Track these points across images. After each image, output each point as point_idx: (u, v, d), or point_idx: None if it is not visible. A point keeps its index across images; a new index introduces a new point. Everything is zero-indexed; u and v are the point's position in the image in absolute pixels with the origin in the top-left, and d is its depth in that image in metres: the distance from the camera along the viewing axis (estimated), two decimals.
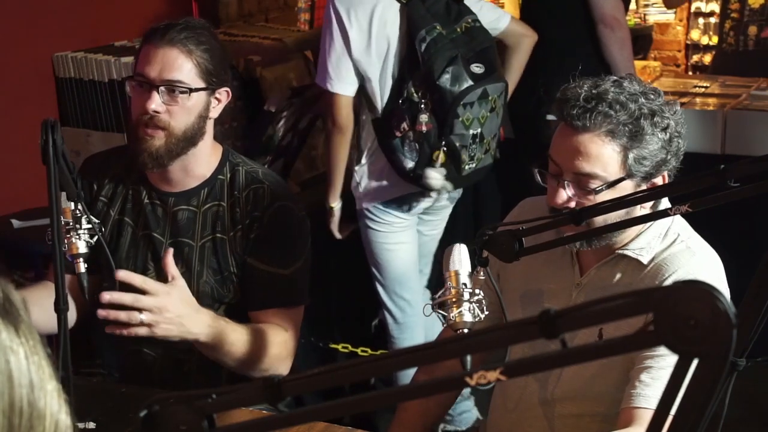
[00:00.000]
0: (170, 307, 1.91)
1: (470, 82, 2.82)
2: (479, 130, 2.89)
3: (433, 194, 3.04)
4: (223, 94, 2.16)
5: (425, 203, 3.10)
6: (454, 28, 2.88)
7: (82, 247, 1.76)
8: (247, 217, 2.14)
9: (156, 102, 2.05)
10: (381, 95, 2.94)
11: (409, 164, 2.93)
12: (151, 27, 2.12)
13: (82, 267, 1.76)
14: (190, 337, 1.95)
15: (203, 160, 2.17)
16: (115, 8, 3.97)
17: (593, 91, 1.75)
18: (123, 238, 2.20)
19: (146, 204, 2.19)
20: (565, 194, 1.79)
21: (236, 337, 2.03)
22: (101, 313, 1.86)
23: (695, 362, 0.78)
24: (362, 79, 2.94)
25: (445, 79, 2.81)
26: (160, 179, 2.18)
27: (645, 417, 1.68)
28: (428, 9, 2.88)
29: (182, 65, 2.06)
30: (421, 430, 2.08)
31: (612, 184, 1.76)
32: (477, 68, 2.85)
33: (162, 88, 2.06)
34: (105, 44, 3.20)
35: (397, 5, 2.90)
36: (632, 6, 7.02)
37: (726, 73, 4.59)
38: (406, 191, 3.03)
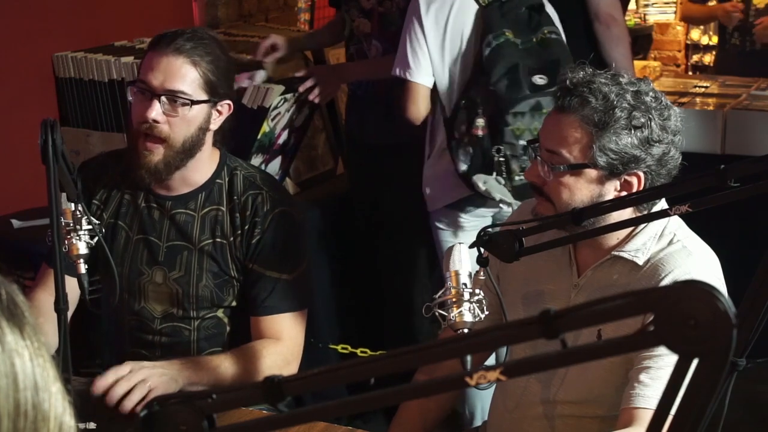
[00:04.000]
0: (148, 373, 1.91)
1: (526, 92, 2.79)
2: None
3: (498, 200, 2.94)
4: (225, 107, 2.14)
5: (492, 208, 3.03)
6: (531, 38, 2.88)
7: (82, 248, 1.76)
8: (247, 223, 2.13)
9: (156, 111, 2.04)
10: (450, 95, 2.94)
11: (462, 167, 2.90)
12: (158, 34, 2.10)
13: (83, 268, 1.76)
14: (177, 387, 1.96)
15: (201, 168, 2.16)
16: (115, 8, 3.97)
17: (585, 78, 1.79)
18: (116, 242, 2.19)
19: (143, 208, 2.18)
20: (536, 168, 1.84)
21: (216, 364, 2.03)
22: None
23: (695, 362, 0.78)
24: (434, 75, 2.94)
25: (502, 86, 2.79)
26: (157, 184, 2.17)
27: (645, 417, 1.67)
28: (504, 15, 2.87)
29: (186, 75, 2.04)
30: (421, 430, 2.08)
31: (573, 167, 1.79)
32: (540, 80, 2.82)
33: (163, 98, 2.04)
34: (105, 44, 3.19)
35: (476, 7, 2.90)
36: (632, 6, 7.03)
37: (729, 73, 4.57)
38: (468, 193, 2.99)
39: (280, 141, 3.11)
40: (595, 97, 1.76)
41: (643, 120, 1.75)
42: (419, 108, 2.98)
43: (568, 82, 1.79)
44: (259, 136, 2.96)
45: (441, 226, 3.10)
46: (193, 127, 2.08)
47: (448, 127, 2.95)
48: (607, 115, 1.75)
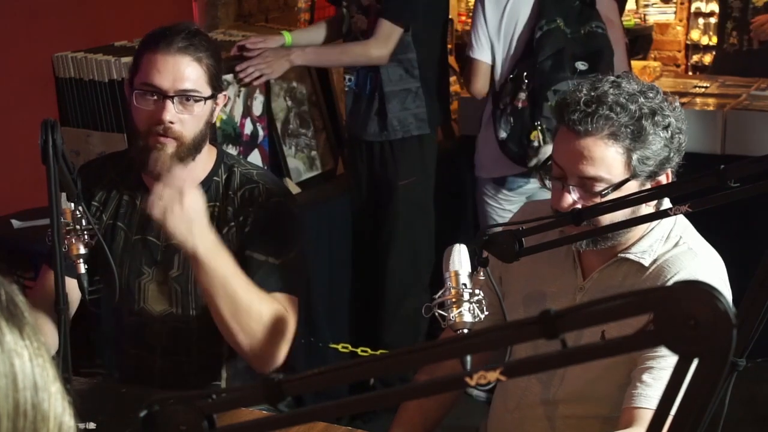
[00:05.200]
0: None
1: (567, 73, 3.11)
2: None
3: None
4: (221, 98, 2.16)
5: (532, 185, 3.32)
6: (579, 29, 3.18)
7: (81, 248, 1.76)
8: (240, 214, 2.13)
9: (171, 113, 2.04)
10: (500, 71, 3.31)
11: (502, 134, 3.23)
12: (150, 34, 2.10)
13: (82, 268, 1.76)
14: (190, 244, 1.89)
15: (201, 162, 2.17)
16: (115, 8, 3.97)
17: (592, 94, 1.75)
18: (116, 242, 2.18)
19: (141, 208, 2.17)
20: (571, 198, 1.78)
21: (233, 273, 1.96)
22: None
23: (695, 362, 0.78)
24: (492, 54, 3.32)
25: (546, 65, 3.12)
26: (156, 183, 2.16)
27: (646, 417, 1.67)
28: (557, 3, 3.20)
29: (193, 74, 2.06)
30: (422, 430, 2.08)
31: (617, 186, 1.76)
32: (581, 65, 3.13)
33: (176, 98, 2.04)
34: (105, 44, 3.19)
35: None
36: (632, 6, 7.02)
37: (727, 73, 4.57)
38: (510, 172, 3.32)
39: (247, 131, 3.09)
40: (615, 112, 1.73)
41: (666, 120, 1.75)
42: (479, 82, 3.35)
43: (581, 103, 1.74)
44: (218, 124, 2.94)
45: (487, 199, 3.44)
46: (202, 123, 2.10)
47: (494, 99, 3.30)
48: (636, 125, 1.73)
